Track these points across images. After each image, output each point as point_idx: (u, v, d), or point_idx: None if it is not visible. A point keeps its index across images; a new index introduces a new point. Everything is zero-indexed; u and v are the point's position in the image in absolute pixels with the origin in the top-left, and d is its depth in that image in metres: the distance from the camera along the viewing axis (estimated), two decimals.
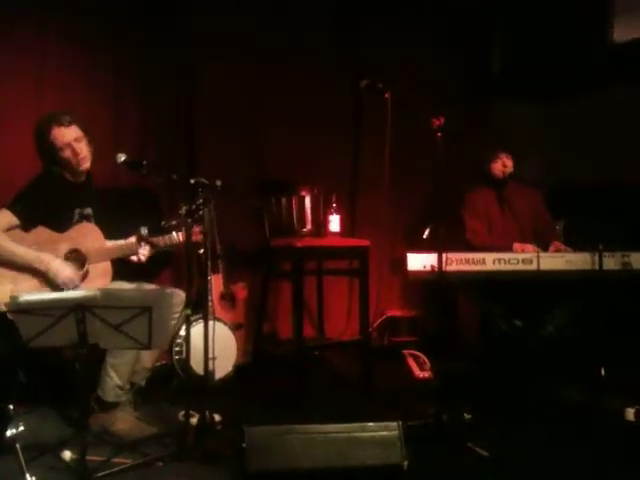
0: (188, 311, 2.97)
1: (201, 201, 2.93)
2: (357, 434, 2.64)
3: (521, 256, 3.87)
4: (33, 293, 2.72)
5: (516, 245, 4.03)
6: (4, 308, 2.59)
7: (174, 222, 3.19)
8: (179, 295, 3.13)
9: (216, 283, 3.97)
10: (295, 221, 4.01)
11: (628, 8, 4.38)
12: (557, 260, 3.87)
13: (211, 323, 2.98)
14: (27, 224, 3.11)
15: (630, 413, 3.32)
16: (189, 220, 2.94)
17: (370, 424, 2.66)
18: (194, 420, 2.94)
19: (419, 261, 3.82)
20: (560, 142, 5.02)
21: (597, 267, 3.80)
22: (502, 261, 3.84)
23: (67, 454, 2.72)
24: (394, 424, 2.66)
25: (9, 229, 3.08)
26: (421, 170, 4.73)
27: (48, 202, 3.18)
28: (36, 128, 3.27)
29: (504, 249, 3.96)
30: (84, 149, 3.23)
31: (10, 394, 2.59)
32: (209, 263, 3.11)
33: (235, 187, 3.80)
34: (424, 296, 4.85)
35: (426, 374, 4.15)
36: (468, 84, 5.11)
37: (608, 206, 4.53)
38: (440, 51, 5.03)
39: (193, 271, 3.09)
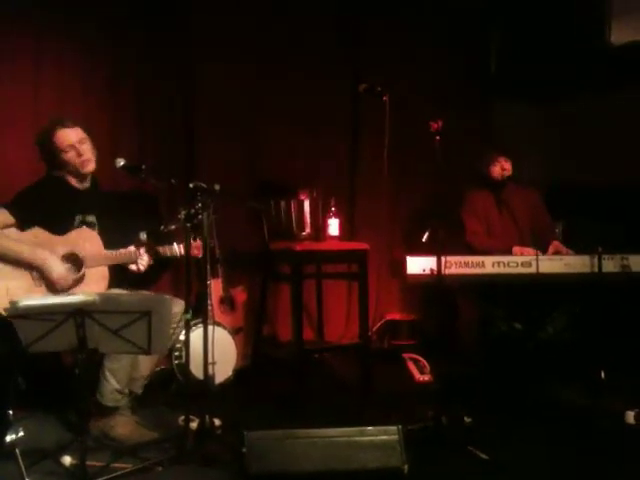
0: (188, 315, 2.97)
1: (200, 205, 2.93)
2: (357, 438, 2.64)
3: (520, 259, 3.87)
4: (32, 298, 2.71)
5: (516, 248, 4.03)
6: (2, 305, 2.60)
7: (173, 226, 3.19)
8: (179, 304, 3.11)
9: (215, 287, 3.97)
10: (294, 225, 4.02)
11: (625, 11, 4.39)
12: (556, 263, 3.88)
13: (211, 327, 2.98)
14: (23, 224, 3.13)
15: (630, 416, 3.31)
16: (188, 224, 2.94)
17: (370, 428, 2.66)
18: (194, 424, 2.94)
19: (418, 264, 3.82)
20: (559, 143, 5.02)
21: (596, 270, 3.80)
22: (501, 264, 3.85)
23: (67, 459, 2.71)
24: (394, 428, 2.65)
25: (4, 227, 3.10)
26: (420, 173, 4.74)
27: (46, 205, 3.18)
28: (40, 133, 3.28)
29: (504, 252, 3.97)
30: (88, 151, 3.24)
31: (9, 399, 2.59)
32: (208, 267, 3.11)
33: (234, 190, 3.82)
34: (423, 299, 4.84)
35: (426, 377, 4.15)
36: (467, 85, 5.11)
37: (607, 207, 4.53)
38: (439, 51, 5.03)
39: (192, 275, 3.09)
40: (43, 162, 3.31)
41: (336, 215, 4.07)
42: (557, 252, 4.04)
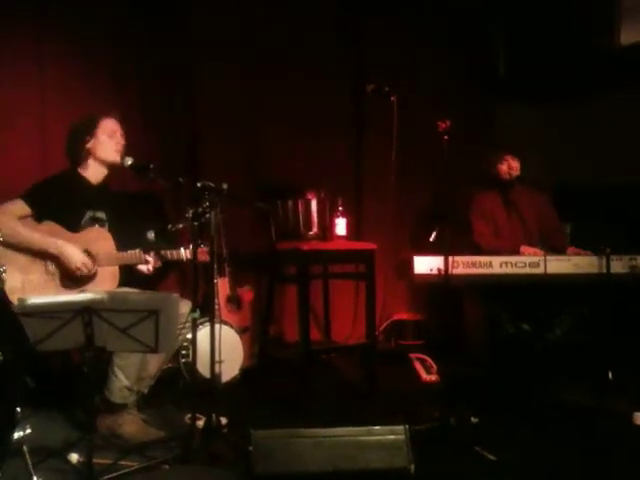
0: (195, 314, 2.97)
1: (207, 205, 2.94)
2: (363, 438, 2.63)
3: (528, 259, 3.86)
4: (41, 296, 2.72)
5: (523, 248, 4.02)
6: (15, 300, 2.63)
7: (181, 226, 3.20)
8: (186, 304, 3.12)
9: (222, 286, 3.97)
10: (301, 224, 4.01)
11: (635, 10, 4.37)
12: (564, 263, 3.86)
13: (217, 326, 2.99)
14: (39, 215, 3.18)
15: (638, 417, 3.30)
16: (195, 223, 2.94)
17: (376, 428, 2.66)
18: (200, 423, 2.94)
19: (425, 264, 3.81)
20: (564, 144, 5.01)
21: (604, 270, 3.79)
22: (509, 264, 3.84)
23: (74, 457, 2.73)
24: (400, 428, 2.65)
25: (22, 217, 3.15)
26: (426, 172, 4.73)
27: (59, 198, 3.22)
28: (81, 120, 3.37)
29: (512, 252, 3.96)
30: (122, 143, 3.34)
31: (17, 397, 2.59)
32: (215, 266, 3.11)
33: (241, 190, 3.82)
34: (430, 299, 4.84)
35: (433, 377, 4.14)
36: (471, 85, 5.10)
37: (615, 208, 4.52)
38: (442, 52, 5.02)
39: (199, 274, 3.10)
40: (68, 150, 3.35)
41: (343, 215, 4.07)
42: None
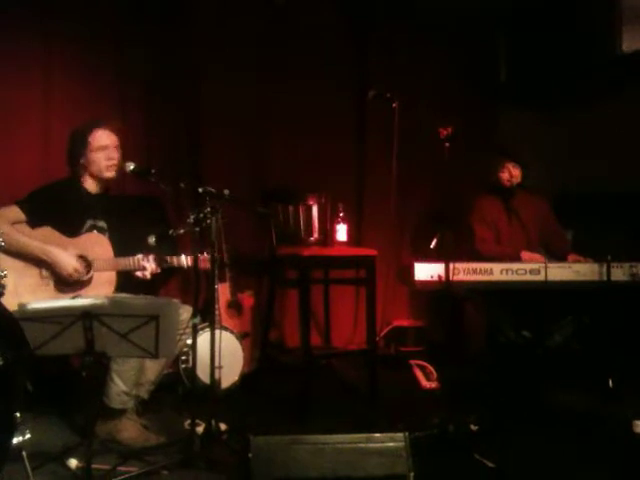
0: (195, 320, 2.97)
1: (209, 210, 2.95)
2: (363, 444, 2.63)
3: (529, 266, 3.86)
4: (41, 301, 2.72)
5: (524, 254, 4.02)
6: (11, 302, 2.63)
7: (182, 231, 3.20)
8: (187, 310, 3.12)
9: (223, 291, 3.97)
10: (302, 230, 4.02)
11: (637, 18, 4.38)
12: (565, 271, 3.86)
13: (218, 332, 2.99)
14: (32, 222, 3.18)
15: (638, 425, 3.29)
16: (197, 229, 2.95)
17: (376, 434, 2.65)
18: (200, 429, 2.94)
19: (426, 271, 3.81)
20: (566, 150, 5.01)
21: (605, 278, 3.79)
22: (509, 271, 3.84)
23: (73, 462, 2.72)
24: (400, 435, 2.64)
25: (15, 223, 3.15)
26: (428, 179, 4.74)
27: (58, 207, 3.23)
28: (77, 127, 3.36)
29: (513, 258, 3.95)
30: (115, 158, 3.30)
31: (17, 402, 2.59)
32: (216, 272, 3.12)
33: (240, 195, 3.82)
34: (431, 306, 4.84)
35: (432, 384, 4.14)
36: (473, 92, 5.11)
37: (616, 215, 4.52)
38: (445, 58, 5.03)
39: (200, 280, 3.10)
40: (67, 161, 3.35)
41: (344, 220, 4.07)
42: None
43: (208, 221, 2.95)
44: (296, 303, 4.02)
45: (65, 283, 3.18)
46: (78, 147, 3.30)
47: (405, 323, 4.94)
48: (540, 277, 3.83)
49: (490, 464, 2.86)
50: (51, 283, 3.18)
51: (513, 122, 5.17)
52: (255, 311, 4.26)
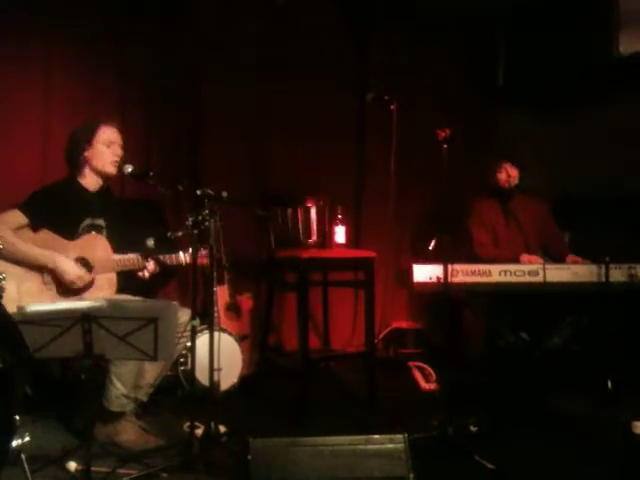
0: (194, 322, 2.97)
1: (207, 212, 2.95)
2: (362, 446, 2.63)
3: (527, 268, 3.86)
4: (40, 304, 2.72)
5: (523, 257, 4.02)
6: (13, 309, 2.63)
7: (181, 233, 3.20)
8: (185, 313, 3.11)
9: (221, 294, 3.97)
10: (301, 232, 4.02)
11: (634, 21, 4.39)
12: (563, 272, 3.87)
13: (216, 334, 2.99)
14: (35, 224, 3.18)
15: (637, 426, 3.30)
16: (195, 231, 2.95)
17: (375, 436, 2.65)
18: (199, 431, 2.93)
19: (425, 272, 3.82)
20: (564, 153, 5.01)
21: (603, 279, 3.79)
22: (508, 273, 3.84)
23: (72, 465, 2.72)
24: (400, 436, 2.64)
25: (18, 228, 3.15)
26: (427, 181, 4.74)
27: (57, 206, 3.23)
28: (82, 125, 3.37)
29: (511, 260, 3.96)
30: (120, 155, 3.31)
31: (16, 404, 2.59)
32: (214, 274, 3.12)
33: (240, 197, 3.83)
34: (430, 308, 4.84)
35: (432, 386, 4.14)
36: (472, 94, 5.12)
37: (614, 217, 4.52)
38: (445, 61, 5.04)
39: (198, 282, 3.10)
40: (67, 158, 3.34)
41: (343, 223, 4.07)
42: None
43: (206, 223, 2.95)
44: (295, 306, 4.01)
45: (68, 288, 3.17)
46: (83, 140, 3.29)
47: (404, 325, 4.93)
48: (539, 279, 3.83)
49: (490, 466, 2.86)
50: (53, 288, 3.17)
51: (512, 123, 5.18)
52: (254, 313, 4.26)
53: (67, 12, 4.16)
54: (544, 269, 3.84)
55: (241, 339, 3.95)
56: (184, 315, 3.10)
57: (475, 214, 4.26)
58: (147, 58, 4.42)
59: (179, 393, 3.74)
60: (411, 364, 4.44)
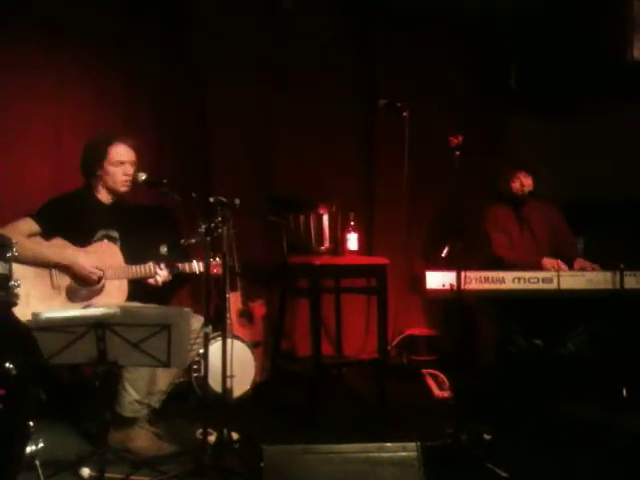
0: (207, 329, 2.98)
1: (220, 219, 2.96)
2: (375, 454, 2.62)
3: (541, 275, 3.84)
4: (54, 310, 2.74)
5: (546, 261, 4.00)
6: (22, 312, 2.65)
7: (194, 240, 3.21)
8: (198, 320, 3.10)
9: (234, 301, 3.98)
10: (313, 239, 4.01)
11: None
12: (578, 279, 3.85)
13: (229, 341, 2.99)
14: (47, 233, 3.21)
15: None
16: (208, 238, 2.96)
17: (388, 444, 2.64)
18: (212, 438, 2.94)
19: (438, 279, 3.81)
20: (577, 157, 4.99)
21: (618, 286, 3.76)
22: (522, 280, 3.82)
23: (85, 471, 2.73)
24: (412, 444, 2.63)
25: (30, 236, 3.18)
26: (439, 187, 4.72)
27: (71, 217, 3.26)
28: (96, 138, 3.40)
29: (532, 265, 3.93)
30: (131, 174, 3.32)
31: (30, 411, 2.61)
32: (227, 281, 3.12)
33: (252, 204, 3.84)
34: (443, 315, 4.82)
35: (445, 393, 4.12)
36: (484, 99, 5.10)
37: (628, 223, 4.50)
38: (456, 67, 5.02)
39: (211, 289, 3.10)
40: (82, 171, 3.37)
41: (355, 229, 4.07)
42: (582, 269, 4.00)
43: (219, 230, 2.96)
44: (307, 312, 4.01)
45: (78, 293, 3.19)
46: (96, 158, 3.32)
47: (417, 332, 4.92)
48: (553, 285, 3.81)
49: (503, 474, 2.85)
50: (63, 292, 3.20)
51: (523, 128, 5.16)
52: (266, 320, 4.26)
53: (76, 21, 4.20)
54: (558, 276, 3.82)
55: (254, 346, 3.96)
56: (197, 322, 3.11)
57: (490, 217, 4.25)
58: (160, 69, 4.45)
59: (192, 400, 3.75)
60: (424, 371, 4.42)
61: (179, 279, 3.46)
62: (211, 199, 3.01)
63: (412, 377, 4.43)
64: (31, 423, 2.47)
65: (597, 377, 3.86)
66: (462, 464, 2.98)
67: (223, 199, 3.01)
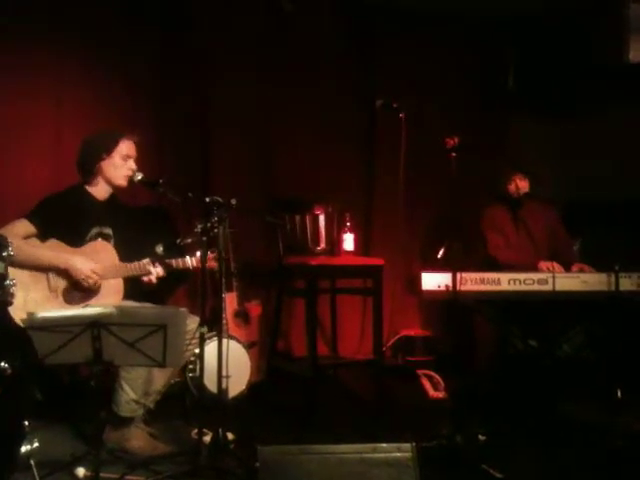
0: (202, 329, 2.98)
1: (216, 219, 2.96)
2: (370, 455, 2.62)
3: (536, 276, 3.85)
4: (50, 310, 2.74)
5: (542, 263, 4.00)
6: (20, 317, 2.63)
7: (190, 240, 3.21)
8: (194, 320, 3.10)
9: (230, 301, 3.98)
10: (309, 239, 4.02)
11: None
12: (573, 281, 3.85)
13: (225, 341, 2.99)
14: (43, 233, 3.19)
15: None
16: (204, 238, 2.96)
17: (383, 445, 2.64)
18: (207, 438, 2.93)
19: (434, 280, 3.81)
20: (575, 159, 5.00)
21: (613, 288, 3.77)
22: (517, 281, 3.82)
23: (81, 471, 2.73)
24: (408, 445, 2.63)
25: (27, 237, 3.16)
26: (436, 188, 4.73)
27: (65, 215, 3.24)
28: (103, 131, 3.39)
29: (528, 267, 3.94)
30: (133, 170, 3.31)
31: (25, 410, 2.60)
32: (223, 281, 3.12)
33: (249, 204, 3.84)
34: (439, 315, 4.83)
35: (440, 394, 4.13)
36: (483, 100, 5.11)
37: (625, 224, 4.51)
38: (455, 68, 5.04)
39: (207, 289, 3.10)
40: (79, 165, 3.34)
41: (351, 230, 4.08)
42: (580, 270, 4.00)
43: (215, 230, 2.96)
44: (303, 312, 4.02)
45: (74, 294, 3.18)
46: (102, 150, 3.29)
47: (413, 333, 4.92)
48: (548, 287, 3.81)
49: (498, 475, 2.85)
50: (60, 294, 3.19)
51: (522, 129, 5.17)
52: (262, 320, 4.26)
53: (76, 21, 4.20)
54: (553, 278, 3.82)
55: (250, 346, 3.96)
56: (192, 322, 3.11)
57: (487, 218, 4.25)
58: (160, 69, 4.45)
59: (187, 400, 3.74)
60: (420, 372, 4.43)
61: (174, 276, 3.45)
62: (207, 199, 3.01)
63: (407, 378, 4.43)
64: (26, 422, 2.47)
65: (593, 378, 3.86)
66: (457, 465, 2.99)
67: (219, 199, 3.01)
